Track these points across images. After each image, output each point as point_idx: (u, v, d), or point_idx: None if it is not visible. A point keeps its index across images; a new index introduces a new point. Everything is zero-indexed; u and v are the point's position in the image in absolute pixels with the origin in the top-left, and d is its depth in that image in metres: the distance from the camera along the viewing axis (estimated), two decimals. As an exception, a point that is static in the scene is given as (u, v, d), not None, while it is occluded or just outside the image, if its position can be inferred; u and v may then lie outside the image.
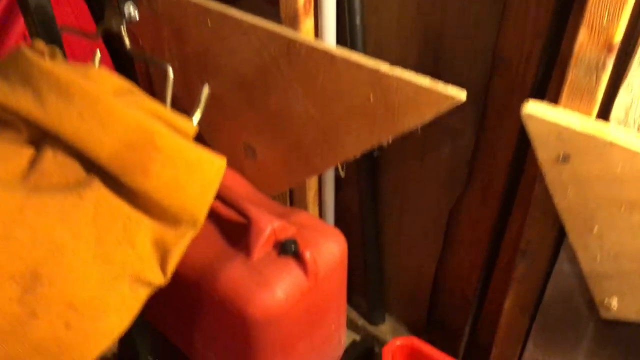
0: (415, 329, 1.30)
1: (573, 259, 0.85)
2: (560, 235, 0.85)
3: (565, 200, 0.75)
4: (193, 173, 0.81)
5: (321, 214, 1.24)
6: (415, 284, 1.26)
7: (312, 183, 1.20)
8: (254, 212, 1.04)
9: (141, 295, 0.82)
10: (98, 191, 0.78)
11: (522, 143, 0.89)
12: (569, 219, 0.77)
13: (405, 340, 1.20)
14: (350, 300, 1.42)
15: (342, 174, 1.08)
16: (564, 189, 0.75)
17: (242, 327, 0.99)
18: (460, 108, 0.97)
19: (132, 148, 0.77)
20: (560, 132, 0.70)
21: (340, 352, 1.26)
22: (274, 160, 1.16)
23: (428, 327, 1.33)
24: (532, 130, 0.73)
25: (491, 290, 1.11)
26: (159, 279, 0.83)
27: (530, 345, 1.00)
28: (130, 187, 0.78)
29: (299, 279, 1.01)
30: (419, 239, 1.17)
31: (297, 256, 1.02)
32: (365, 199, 1.17)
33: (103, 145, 0.75)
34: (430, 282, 1.22)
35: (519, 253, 0.90)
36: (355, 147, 0.98)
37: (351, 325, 1.37)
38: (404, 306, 1.32)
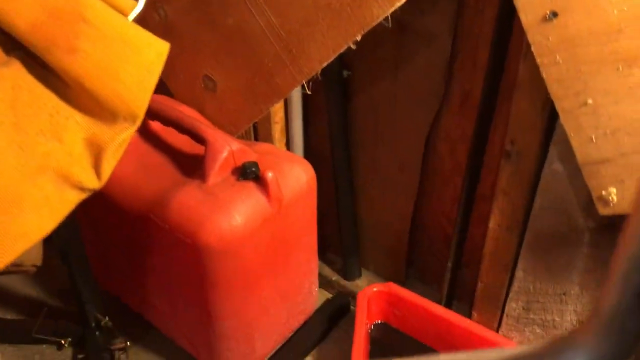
0: (394, 281, 1.19)
1: (564, 156, 0.76)
2: (549, 130, 0.76)
3: (554, 69, 0.66)
4: (129, 56, 0.70)
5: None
6: (392, 229, 1.15)
7: (277, 116, 1.10)
8: (211, 133, 0.93)
9: (70, 198, 0.70)
10: (17, 72, 0.68)
11: (502, 38, 0.81)
12: (560, 93, 0.67)
13: (382, 286, 1.09)
14: (323, 257, 1.31)
15: (308, 91, 0.98)
16: (553, 55, 0.66)
17: (196, 258, 0.87)
18: (434, 6, 0.89)
19: (56, 17, 0.66)
20: (547, -20, 0.61)
21: (312, 305, 1.15)
22: (235, 89, 1.06)
23: (408, 278, 1.22)
24: (515, -15, 0.64)
25: (473, 224, 1.01)
26: (92, 182, 0.72)
27: (519, 273, 0.90)
28: (56, 67, 0.67)
29: (260, 204, 0.90)
30: (395, 173, 1.07)
31: (258, 180, 0.91)
32: (335, 130, 1.06)
33: (21, 12, 0.65)
34: (408, 225, 1.12)
35: (504, 156, 0.81)
36: (321, 53, 0.89)
37: (324, 282, 1.25)
38: (381, 257, 1.22)
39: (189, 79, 1.14)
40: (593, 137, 0.68)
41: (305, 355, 1.11)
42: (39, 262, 0.88)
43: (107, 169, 0.72)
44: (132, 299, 1.14)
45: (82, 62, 0.67)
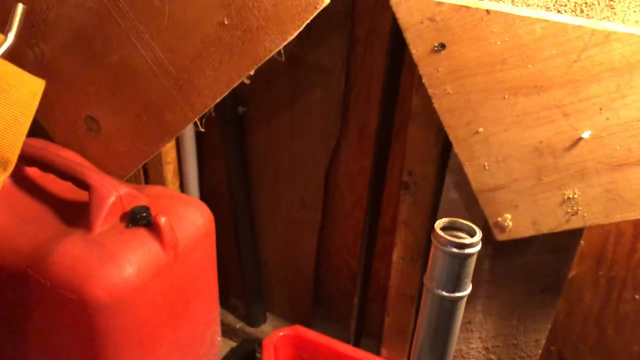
0: (301, 322, 1.15)
1: (460, 184, 0.77)
2: (445, 159, 0.78)
3: (445, 99, 0.67)
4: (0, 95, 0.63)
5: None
6: (296, 269, 1.12)
7: (169, 156, 1.04)
8: (95, 177, 0.86)
9: None
10: None
11: (394, 71, 0.82)
12: (452, 123, 0.69)
13: (289, 330, 1.05)
14: (225, 303, 1.24)
15: (202, 128, 0.93)
16: (443, 86, 0.67)
17: (83, 315, 0.79)
18: (326, 40, 0.88)
19: None
20: (433, 13, 0.63)
21: (215, 356, 1.08)
22: (122, 129, 0.99)
23: (315, 317, 1.18)
24: (403, 18, 0.65)
25: (377, 258, 1.01)
26: (-47, 238, 0.62)
27: (424, 304, 0.89)
28: None
29: (154, 251, 0.83)
30: (297, 210, 1.05)
31: (150, 226, 0.85)
32: (233, 169, 1.03)
33: None
34: (312, 262, 1.09)
35: (402, 187, 0.81)
36: (213, 89, 0.85)
37: (228, 330, 1.19)
38: (286, 298, 1.18)
39: (69, 120, 1.06)
40: (486, 164, 0.70)
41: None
42: None
43: (-29, 222, 0.64)
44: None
45: (-61, 101, 0.59)
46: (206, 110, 0.89)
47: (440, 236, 0.32)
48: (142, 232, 0.84)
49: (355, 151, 0.95)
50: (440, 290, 0.34)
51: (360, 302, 1.00)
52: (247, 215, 1.07)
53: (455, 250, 0.32)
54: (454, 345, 0.34)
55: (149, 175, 1.05)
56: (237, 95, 0.98)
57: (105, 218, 0.84)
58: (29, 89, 0.66)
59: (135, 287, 0.80)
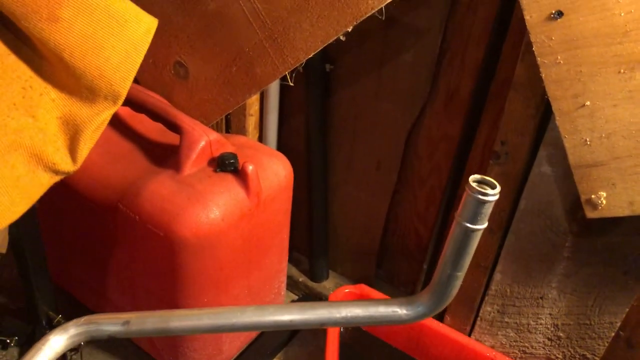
0: (362, 283, 1.17)
1: (554, 158, 0.76)
2: (540, 131, 0.76)
3: (554, 69, 0.66)
4: (115, 29, 0.65)
5: (262, 146, 1.10)
6: (364, 230, 1.13)
7: (253, 108, 1.06)
8: (187, 121, 0.88)
9: (42, 180, 0.64)
10: (-12, 38, 0.61)
11: (495, 37, 0.81)
12: (558, 94, 0.67)
13: (354, 288, 1.07)
14: (290, 257, 1.27)
15: (291, 82, 0.94)
16: (554, 56, 0.65)
17: (168, 251, 0.82)
18: (427, 1, 0.87)
19: (36, -18, 0.60)
20: (556, -22, 0.61)
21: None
22: (209, 78, 1.01)
23: (375, 281, 1.20)
24: (522, -19, 0.63)
25: (450, 227, 1.00)
26: (66, 165, 0.66)
27: (497, 276, 0.90)
28: (34, 36, 0.61)
29: (239, 197, 0.86)
30: (372, 172, 1.05)
31: (237, 173, 0.87)
32: (313, 126, 1.04)
33: (-2, -28, 0.59)
34: (381, 226, 1.10)
35: (492, 157, 0.80)
36: (308, 44, 0.86)
37: (290, 283, 1.22)
38: (350, 258, 1.19)
39: (158, 65, 1.08)
40: (588, 139, 0.68)
41: (273, 356, 1.07)
42: (3, 250, 0.81)
43: (83, 152, 0.67)
44: (89, 295, 1.07)
45: (63, 32, 0.61)
46: (297, 65, 0.90)
47: (473, 187, 0.50)
48: (229, 178, 0.87)
49: (440, 117, 0.94)
50: (466, 223, 0.52)
51: (429, 268, 1.01)
52: (322, 173, 1.09)
53: (480, 197, 0.50)
54: (468, 263, 0.58)
55: (231, 125, 1.07)
56: (326, 53, 0.98)
57: (194, 161, 0.87)
58: (143, 26, 0.67)
59: (220, 230, 0.83)
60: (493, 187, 0.51)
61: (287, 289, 1.22)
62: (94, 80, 0.65)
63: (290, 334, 1.11)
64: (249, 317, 0.48)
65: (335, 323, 0.54)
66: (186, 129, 0.87)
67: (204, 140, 0.87)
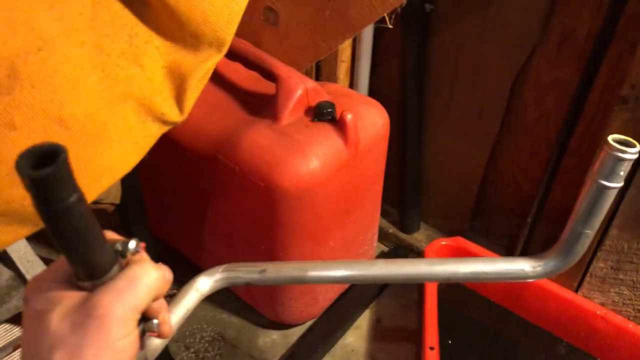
0: (454, 235, 1.13)
1: (691, 103, 0.68)
2: (676, 73, 0.69)
3: None
4: (220, -29, 0.62)
5: (354, 94, 1.06)
6: (460, 181, 1.09)
7: (344, 54, 1.02)
8: (284, 69, 0.86)
9: (152, 131, 0.64)
10: (96, -15, 0.60)
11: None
12: None
13: (450, 240, 1.04)
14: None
15: (390, 24, 0.89)
16: None
17: (268, 202, 0.81)
18: None
19: None
20: None
21: (372, 256, 1.09)
22: (300, 22, 0.97)
23: (468, 233, 1.16)
24: None
25: (557, 184, 0.94)
26: (174, 115, 0.65)
27: (613, 231, 0.84)
28: (139, -18, 0.59)
29: (338, 147, 0.83)
30: (472, 120, 1.00)
31: (335, 122, 0.84)
32: (409, 71, 0.99)
33: None
34: (479, 176, 1.05)
35: (619, 102, 0.73)
36: (411, -18, 0.80)
37: (381, 234, 1.20)
38: (443, 210, 1.16)
39: (247, 10, 1.05)
40: None
41: (365, 307, 1.07)
42: (117, 200, 0.82)
43: (190, 101, 0.66)
44: (188, 247, 1.09)
45: (168, -25, 0.59)
46: (398, 5, 0.84)
47: (612, 145, 0.48)
48: (326, 128, 0.84)
49: (552, 60, 0.87)
50: (601, 180, 0.50)
51: (534, 222, 0.96)
52: (418, 121, 1.04)
53: (619, 154, 0.48)
54: (600, 222, 0.53)
55: (322, 72, 1.04)
56: (426, -8, 0.92)
57: (291, 110, 0.85)
58: (248, -31, 0.64)
59: (319, 181, 0.82)
60: (632, 146, 0.49)
61: (378, 240, 1.21)
62: (199, 26, 0.63)
63: (380, 288, 1.10)
64: (379, 270, 0.47)
65: (462, 278, 0.53)
66: (282, 77, 0.85)
67: (300, 88, 0.84)
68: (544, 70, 0.89)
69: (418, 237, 1.18)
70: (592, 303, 0.91)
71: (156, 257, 1.03)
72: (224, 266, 0.47)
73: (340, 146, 0.83)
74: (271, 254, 0.89)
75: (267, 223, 0.85)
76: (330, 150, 0.82)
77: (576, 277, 0.92)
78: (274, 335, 1.01)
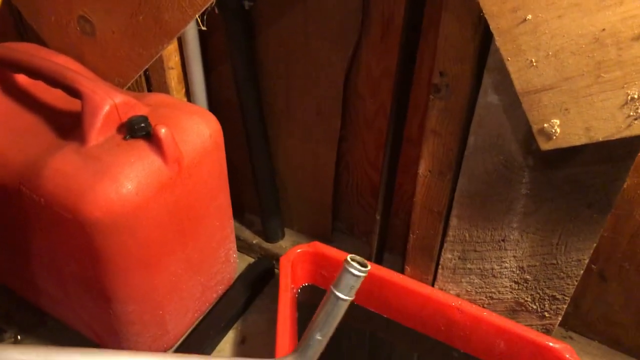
0: (320, 238, 1.09)
1: (500, 86, 0.66)
2: (482, 56, 0.66)
3: (487, -21, 0.55)
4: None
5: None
6: (314, 182, 1.04)
7: (172, 60, 0.94)
8: (87, 84, 0.77)
9: None
10: None
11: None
12: (494, 9, 0.57)
13: (307, 246, 0.99)
14: (241, 219, 1.18)
15: (203, 26, 0.83)
16: (485, -38, 0.54)
17: (80, 235, 0.73)
18: None
19: None
20: None
21: (231, 274, 1.03)
22: (116, 31, 0.89)
23: (335, 234, 1.12)
24: None
25: (401, 171, 0.92)
26: None
27: (454, 221, 0.81)
28: None
29: (155, 165, 0.75)
30: (313, 118, 0.95)
31: (150, 138, 0.77)
32: (240, 73, 0.92)
33: None
34: (331, 175, 1.01)
35: (432, 91, 0.70)
36: (214, -21, 0.74)
37: (245, 246, 1.14)
38: (304, 213, 1.11)
39: (61, 23, 0.96)
40: (533, 60, 0.58)
41: (228, 328, 1.00)
42: None
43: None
44: (19, 285, 0.98)
45: None
46: (207, 6, 0.78)
47: (349, 262, 0.57)
48: (141, 145, 0.76)
49: (378, 51, 0.83)
50: (337, 292, 0.60)
51: (383, 217, 0.93)
52: (259, 124, 0.98)
53: (353, 271, 0.58)
54: (332, 331, 0.64)
55: (152, 82, 0.96)
56: (243, -12, 0.86)
57: (100, 129, 0.76)
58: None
59: (136, 205, 0.74)
60: (365, 266, 0.60)
61: (241, 252, 1.14)
62: None
63: (246, 302, 1.04)
64: None
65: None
66: (86, 93, 0.76)
67: (107, 104, 0.76)
68: (374, 62, 0.85)
69: (283, 245, 1.12)
70: (448, 295, 0.89)
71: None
72: None
73: (159, 164, 0.76)
74: (100, 288, 0.80)
75: (87, 257, 0.76)
76: (145, 169, 0.75)
77: (429, 270, 0.90)
78: (128, 373, 0.92)
